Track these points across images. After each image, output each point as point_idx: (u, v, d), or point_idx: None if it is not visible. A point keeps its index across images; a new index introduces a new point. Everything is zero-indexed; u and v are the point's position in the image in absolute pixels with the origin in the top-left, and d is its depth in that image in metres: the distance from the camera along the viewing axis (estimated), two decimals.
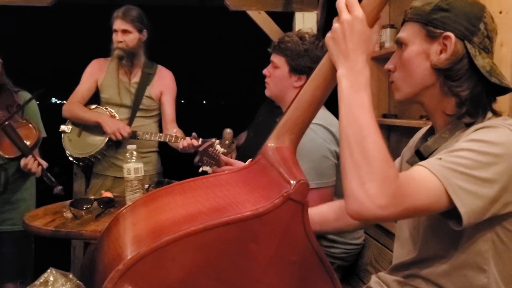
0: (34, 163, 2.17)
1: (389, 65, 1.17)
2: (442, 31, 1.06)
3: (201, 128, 2.78)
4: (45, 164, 2.24)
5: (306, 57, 1.79)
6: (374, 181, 0.87)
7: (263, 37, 3.32)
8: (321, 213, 1.35)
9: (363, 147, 0.90)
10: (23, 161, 2.18)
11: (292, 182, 1.00)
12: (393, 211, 0.87)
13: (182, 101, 2.71)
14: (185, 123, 2.86)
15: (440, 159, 0.95)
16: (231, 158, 2.19)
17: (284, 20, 3.37)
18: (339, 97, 0.97)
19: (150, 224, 1.05)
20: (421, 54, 1.09)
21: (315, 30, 3.27)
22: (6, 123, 2.20)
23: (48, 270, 0.90)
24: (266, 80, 1.91)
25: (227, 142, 2.37)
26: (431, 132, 1.20)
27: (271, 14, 3.32)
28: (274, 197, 0.99)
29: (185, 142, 2.50)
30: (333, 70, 1.02)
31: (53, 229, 1.72)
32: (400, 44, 1.13)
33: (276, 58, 1.86)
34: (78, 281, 0.90)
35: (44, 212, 1.98)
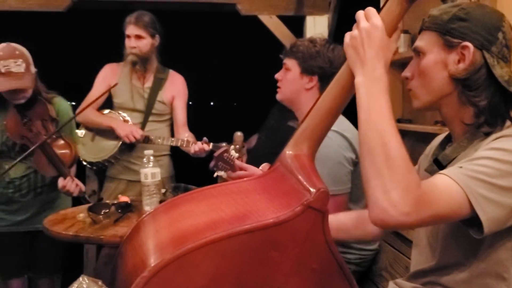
0: (72, 185, 2.17)
1: (406, 73, 1.17)
2: (460, 41, 1.06)
3: (209, 130, 2.80)
4: (83, 187, 2.23)
5: (318, 58, 1.81)
6: (397, 188, 0.88)
7: (274, 41, 3.33)
8: (339, 221, 1.35)
9: (384, 154, 0.91)
10: (61, 183, 2.16)
11: (312, 190, 1.02)
12: (416, 218, 0.88)
13: (190, 103, 2.76)
14: (194, 125, 2.88)
15: (461, 167, 0.96)
16: (242, 161, 2.20)
17: (295, 24, 3.39)
18: (358, 104, 0.98)
19: (173, 231, 1.07)
20: (438, 63, 1.09)
21: (326, 34, 3.30)
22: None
23: (80, 278, 0.92)
24: (278, 84, 1.93)
25: (237, 146, 2.39)
26: (448, 140, 1.21)
27: (282, 18, 3.34)
28: (294, 205, 1.01)
29: (196, 147, 2.53)
30: (352, 78, 1.02)
31: (73, 234, 1.75)
32: (418, 52, 1.14)
33: (288, 61, 1.88)
34: None
35: (63, 216, 2.01)
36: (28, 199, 2.32)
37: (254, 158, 2.61)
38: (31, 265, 2.43)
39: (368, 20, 1.00)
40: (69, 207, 2.43)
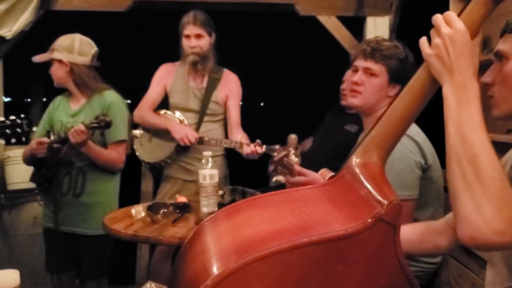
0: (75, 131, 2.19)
1: (486, 78, 1.09)
2: None
3: (259, 131, 2.77)
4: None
5: (407, 65, 1.71)
6: (490, 203, 0.81)
7: (333, 43, 3.27)
8: (404, 233, 1.28)
9: (476, 166, 0.84)
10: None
11: (383, 202, 0.96)
12: (511, 238, 0.81)
13: (241, 103, 2.75)
14: (246, 126, 2.87)
15: None
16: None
17: (355, 25, 3.30)
18: (445, 114, 0.92)
19: (236, 238, 1.04)
20: None
21: (387, 36, 3.19)
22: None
23: (148, 284, 0.91)
24: (356, 88, 1.77)
25: (291, 148, 2.35)
26: None
27: (341, 19, 3.27)
28: (364, 218, 0.96)
29: (248, 149, 2.50)
30: (429, 84, 0.97)
31: (132, 233, 1.76)
32: (500, 57, 1.06)
33: (374, 66, 1.73)
34: None
35: (123, 214, 2.04)
36: (67, 198, 2.36)
37: (308, 162, 2.56)
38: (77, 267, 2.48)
39: (450, 25, 0.93)
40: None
